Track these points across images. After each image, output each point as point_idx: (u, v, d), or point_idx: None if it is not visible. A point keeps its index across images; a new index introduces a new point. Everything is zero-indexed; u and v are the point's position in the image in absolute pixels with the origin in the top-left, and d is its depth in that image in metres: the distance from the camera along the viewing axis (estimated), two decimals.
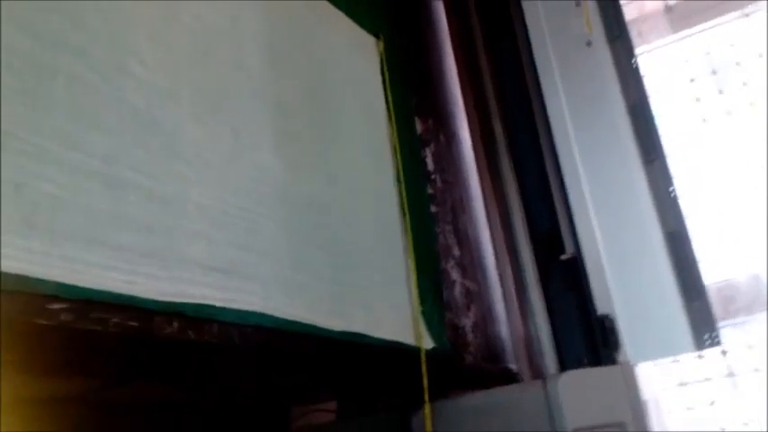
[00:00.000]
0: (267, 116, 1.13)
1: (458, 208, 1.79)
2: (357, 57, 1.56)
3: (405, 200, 1.50)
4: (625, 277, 1.57)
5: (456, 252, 1.67)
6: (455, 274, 1.62)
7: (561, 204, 1.70)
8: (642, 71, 1.84)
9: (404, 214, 1.48)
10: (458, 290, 1.60)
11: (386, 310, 1.30)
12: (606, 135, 1.73)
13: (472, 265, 1.72)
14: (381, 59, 1.67)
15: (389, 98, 1.64)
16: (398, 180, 1.52)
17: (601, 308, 1.55)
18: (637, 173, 1.67)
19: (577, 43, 1.87)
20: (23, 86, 0.73)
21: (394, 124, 1.60)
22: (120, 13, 0.88)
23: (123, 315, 0.72)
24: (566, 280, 1.66)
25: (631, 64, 1.81)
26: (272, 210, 1.06)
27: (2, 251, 0.64)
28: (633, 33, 2.17)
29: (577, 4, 1.92)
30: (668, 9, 2.91)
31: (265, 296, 0.96)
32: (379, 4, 1.78)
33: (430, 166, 1.75)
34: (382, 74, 1.66)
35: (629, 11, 2.56)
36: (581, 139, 1.74)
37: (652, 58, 2.95)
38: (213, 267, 0.88)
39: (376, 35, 1.68)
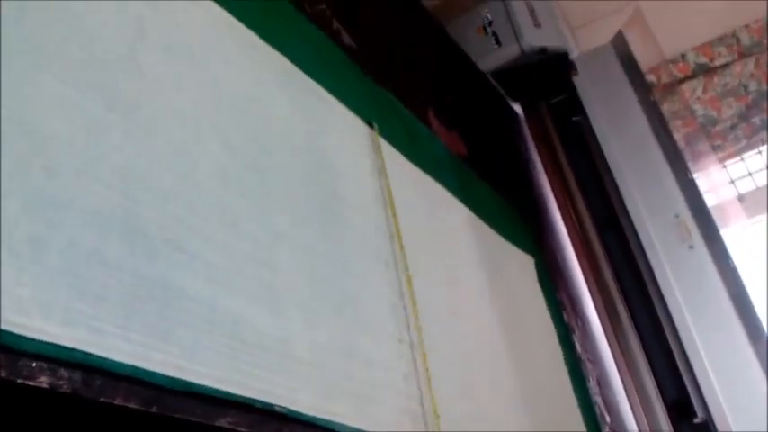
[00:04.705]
0: (498, 328, 1.68)
1: (602, 382, 2.26)
2: (525, 273, 2.13)
3: (573, 381, 1.99)
4: None
5: (608, 419, 2.12)
6: None
7: (688, 377, 2.15)
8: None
9: (575, 393, 1.96)
10: None
11: None
12: (717, 319, 2.21)
13: (621, 431, 2.15)
14: (535, 269, 2.24)
15: (546, 301, 2.19)
16: (565, 364, 2.02)
17: None
18: (747, 350, 2.12)
19: (681, 246, 2.41)
20: None
21: (554, 322, 2.13)
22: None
23: None
24: None
25: (729, 263, 2.33)
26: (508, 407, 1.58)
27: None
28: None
29: (676, 216, 2.48)
30: (741, 198, 3.46)
31: None
32: (527, 228, 2.39)
33: (578, 349, 2.24)
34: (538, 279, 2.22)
35: (709, 199, 3.09)
36: (697, 322, 2.22)
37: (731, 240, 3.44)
38: None
39: (529, 253, 2.26)
